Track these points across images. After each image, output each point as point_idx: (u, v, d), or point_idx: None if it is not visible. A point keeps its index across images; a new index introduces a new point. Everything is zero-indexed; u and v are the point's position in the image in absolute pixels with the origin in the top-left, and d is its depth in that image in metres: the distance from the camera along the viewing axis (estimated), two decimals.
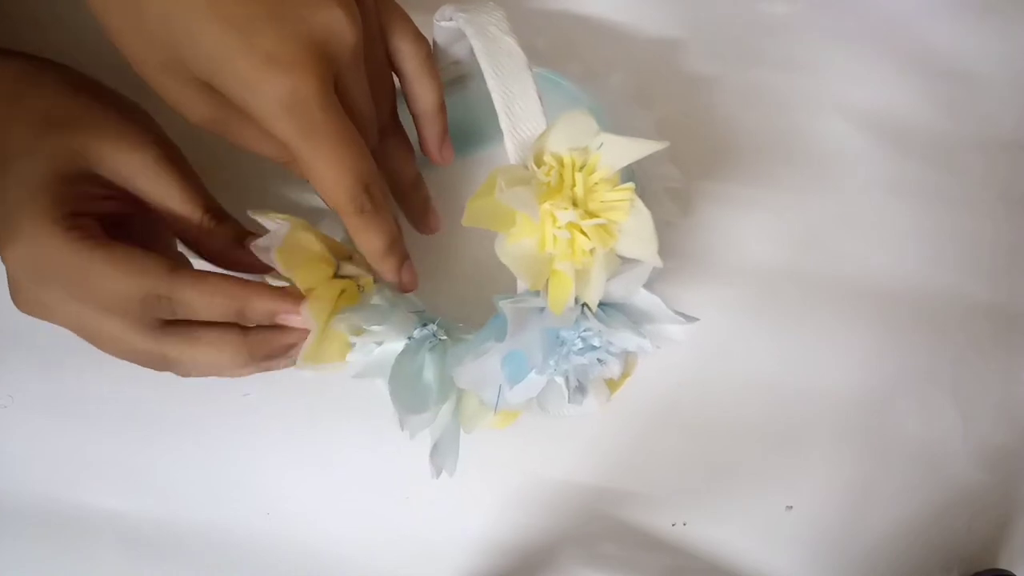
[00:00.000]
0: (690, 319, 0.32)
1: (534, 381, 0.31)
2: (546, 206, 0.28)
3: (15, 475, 0.36)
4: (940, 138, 0.43)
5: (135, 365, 0.38)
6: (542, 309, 0.30)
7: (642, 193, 0.29)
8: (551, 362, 0.30)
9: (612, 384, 0.33)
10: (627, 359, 0.32)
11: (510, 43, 0.29)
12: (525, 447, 0.38)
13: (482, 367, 0.30)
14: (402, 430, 0.31)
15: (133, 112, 0.32)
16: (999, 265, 0.42)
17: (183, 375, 0.31)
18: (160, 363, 0.30)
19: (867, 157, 0.42)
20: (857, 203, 0.42)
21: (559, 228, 0.28)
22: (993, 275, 0.42)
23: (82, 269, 0.28)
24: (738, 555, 0.38)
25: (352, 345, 0.32)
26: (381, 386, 0.32)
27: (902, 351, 0.40)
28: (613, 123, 0.39)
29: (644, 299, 0.31)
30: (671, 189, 0.40)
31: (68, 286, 0.28)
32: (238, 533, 0.36)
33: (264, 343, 0.30)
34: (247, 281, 0.30)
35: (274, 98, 0.26)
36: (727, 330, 0.40)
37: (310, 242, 0.31)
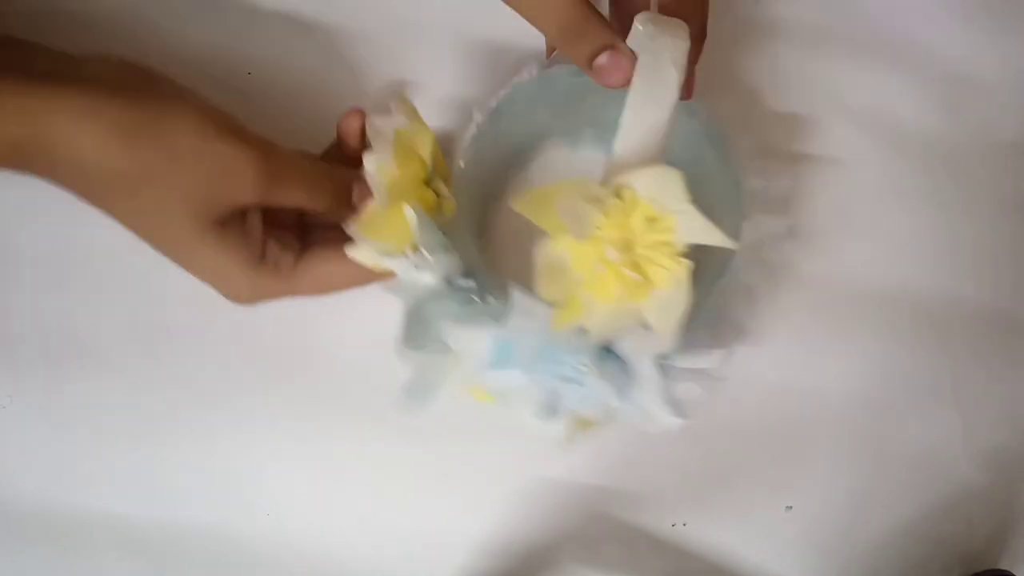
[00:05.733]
0: (679, 416, 0.32)
1: (515, 377, 0.31)
2: (598, 234, 0.28)
3: (15, 476, 0.36)
4: (941, 141, 0.43)
5: (135, 366, 0.38)
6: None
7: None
8: (535, 369, 0.30)
9: (581, 424, 0.33)
10: (607, 412, 0.32)
11: (672, 76, 0.29)
12: (525, 447, 0.38)
13: (472, 337, 0.31)
14: (396, 353, 0.32)
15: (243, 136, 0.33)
16: (1000, 268, 0.42)
17: None
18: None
19: (868, 160, 0.42)
20: (857, 205, 0.42)
21: (600, 261, 0.28)
22: (994, 278, 0.42)
23: (305, 290, 0.34)
24: (738, 555, 0.38)
25: (402, 253, 0.32)
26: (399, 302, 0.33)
27: (902, 353, 0.40)
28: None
29: (647, 371, 0.31)
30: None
31: (286, 297, 0.34)
32: (238, 533, 0.36)
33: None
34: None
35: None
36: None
37: (420, 142, 0.33)
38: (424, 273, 0.32)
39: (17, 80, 0.28)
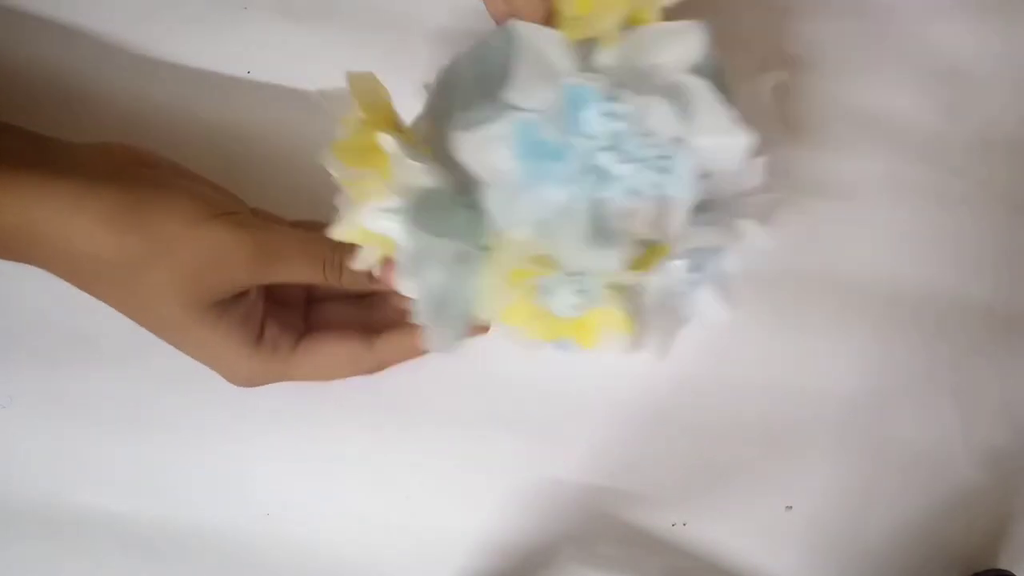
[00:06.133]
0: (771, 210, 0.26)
1: (548, 195, 0.24)
2: None
3: (15, 475, 0.36)
4: (940, 139, 0.43)
5: (135, 365, 0.38)
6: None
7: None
8: (572, 162, 0.24)
9: (643, 257, 0.26)
10: (663, 211, 0.25)
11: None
12: (525, 447, 0.38)
13: (491, 137, 0.24)
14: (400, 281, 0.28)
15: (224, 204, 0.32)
16: (999, 266, 0.42)
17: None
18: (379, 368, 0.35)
19: (867, 157, 0.42)
20: (856, 204, 0.42)
21: None
22: (993, 276, 0.42)
23: (300, 376, 0.34)
24: (738, 555, 0.38)
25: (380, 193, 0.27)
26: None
27: (901, 351, 0.40)
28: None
29: (697, 89, 0.25)
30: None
31: (286, 380, 0.34)
32: (238, 533, 0.36)
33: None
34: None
35: None
36: (727, 330, 0.39)
37: (378, 92, 0.28)
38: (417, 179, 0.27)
39: (10, 170, 0.28)
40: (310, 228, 0.33)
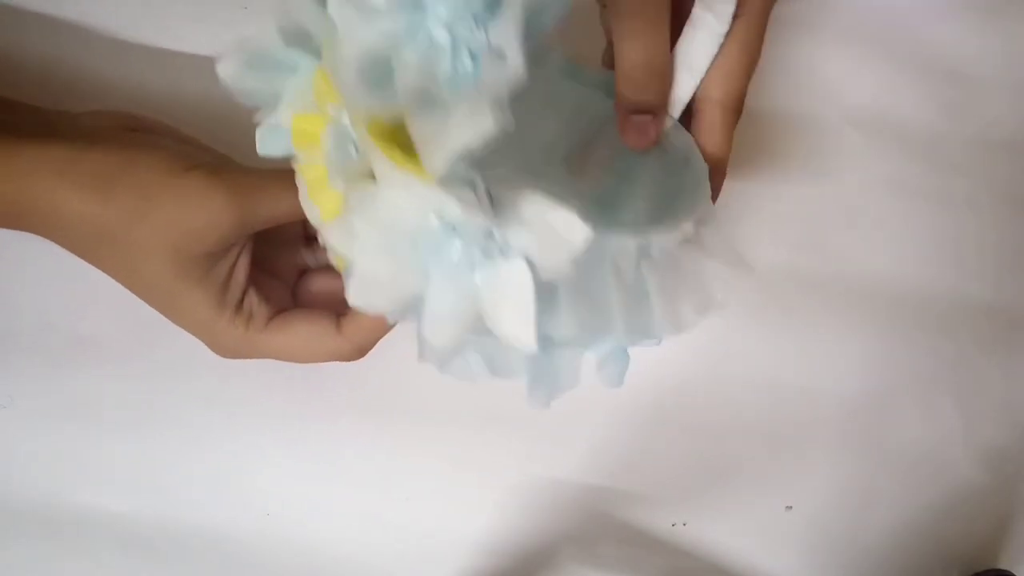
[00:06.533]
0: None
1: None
2: None
3: (15, 475, 0.36)
4: (941, 139, 0.43)
5: (135, 365, 0.38)
6: None
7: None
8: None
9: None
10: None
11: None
12: (525, 447, 0.38)
13: None
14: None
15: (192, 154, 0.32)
16: (1000, 266, 0.42)
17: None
18: (357, 355, 0.33)
19: (868, 158, 0.42)
20: (857, 204, 0.42)
21: None
22: (994, 276, 0.42)
23: (269, 351, 0.33)
24: (738, 555, 0.38)
25: None
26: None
27: (902, 351, 0.40)
28: None
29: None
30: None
31: (262, 357, 0.33)
32: (238, 533, 0.36)
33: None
34: None
35: None
36: (727, 330, 0.40)
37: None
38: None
39: (3, 139, 0.29)
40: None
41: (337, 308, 0.32)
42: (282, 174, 0.31)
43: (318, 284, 0.35)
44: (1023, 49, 0.44)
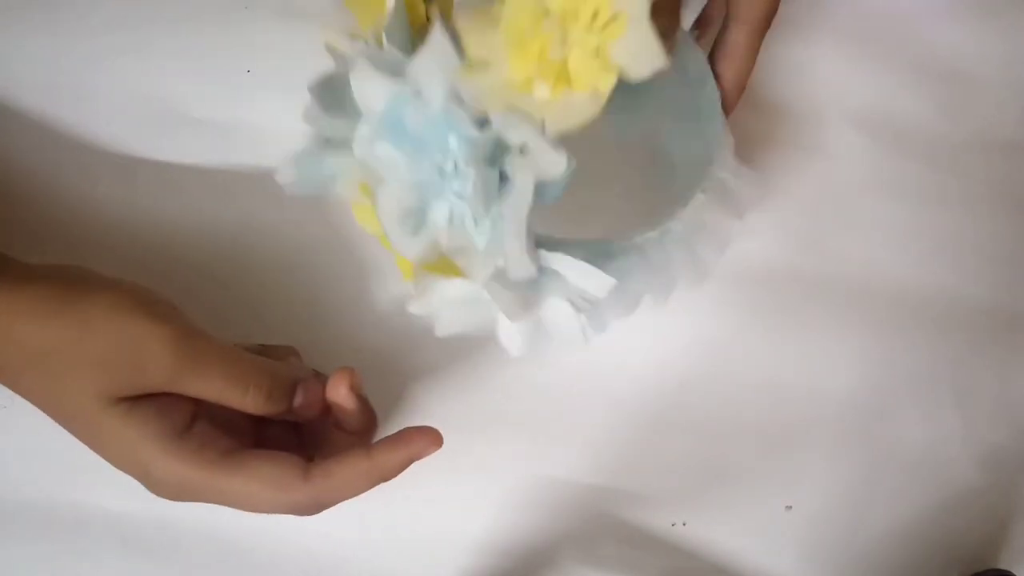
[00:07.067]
0: (525, 270, 0.27)
1: (396, 162, 0.27)
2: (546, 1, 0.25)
3: (15, 475, 0.36)
4: (940, 139, 0.43)
5: None
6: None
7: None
8: (422, 156, 0.26)
9: (439, 262, 0.28)
10: (465, 253, 0.27)
11: None
12: (525, 447, 0.38)
13: (374, 85, 0.26)
14: (304, 118, 0.29)
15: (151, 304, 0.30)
16: (999, 266, 0.42)
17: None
18: (316, 509, 0.30)
19: (867, 158, 0.42)
20: (857, 204, 0.42)
21: (532, 27, 0.25)
22: (993, 276, 0.42)
23: (220, 492, 0.29)
24: (738, 555, 0.38)
25: (363, 36, 0.29)
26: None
27: (902, 351, 0.40)
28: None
29: (521, 188, 0.26)
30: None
31: (210, 500, 0.30)
32: (238, 533, 0.36)
33: (391, 464, 0.31)
34: (373, 449, 0.30)
35: None
36: (727, 330, 0.40)
37: None
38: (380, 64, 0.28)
39: None
40: (264, 352, 0.32)
41: (299, 453, 0.30)
42: (230, 354, 0.30)
43: (279, 429, 0.33)
44: (1022, 50, 0.44)
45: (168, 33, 0.40)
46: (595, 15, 0.24)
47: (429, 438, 0.30)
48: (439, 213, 0.27)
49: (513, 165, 0.26)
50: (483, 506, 0.37)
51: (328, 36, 0.30)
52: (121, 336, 0.28)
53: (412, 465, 0.37)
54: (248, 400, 0.29)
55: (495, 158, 0.26)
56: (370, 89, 0.27)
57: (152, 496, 0.37)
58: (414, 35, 0.30)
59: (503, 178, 0.27)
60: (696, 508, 0.38)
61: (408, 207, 0.27)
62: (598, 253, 0.31)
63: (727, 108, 0.34)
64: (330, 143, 0.29)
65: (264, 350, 0.33)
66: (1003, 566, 0.38)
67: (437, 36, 0.25)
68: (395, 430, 0.37)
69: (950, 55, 0.44)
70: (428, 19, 0.30)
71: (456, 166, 0.26)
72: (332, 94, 0.29)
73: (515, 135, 0.26)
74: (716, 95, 0.34)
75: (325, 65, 0.30)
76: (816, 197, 0.41)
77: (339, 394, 0.30)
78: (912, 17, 0.44)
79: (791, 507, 0.38)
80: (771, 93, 0.43)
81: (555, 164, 0.25)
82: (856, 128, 0.42)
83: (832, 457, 0.39)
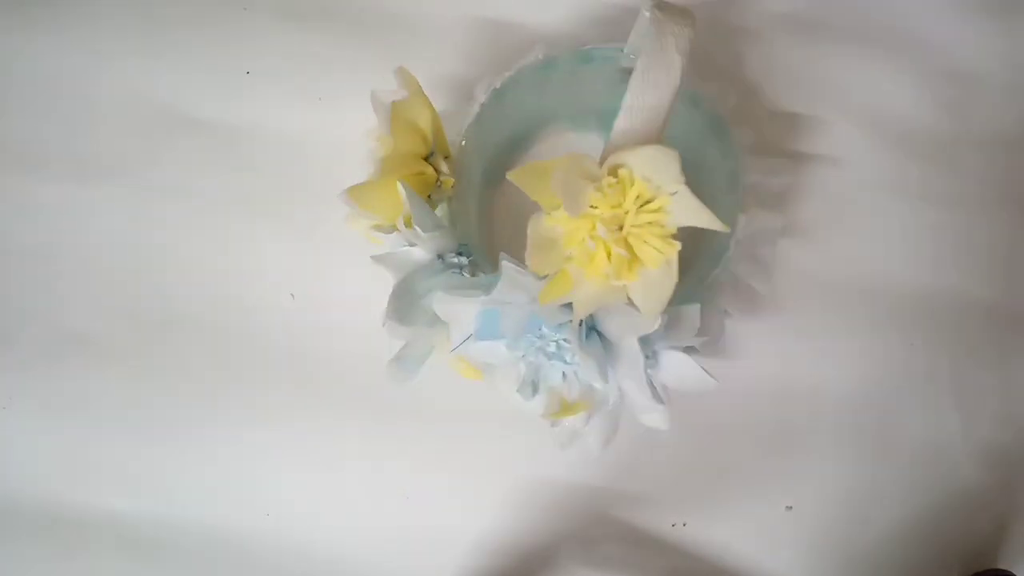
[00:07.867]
0: (659, 401, 0.32)
1: (499, 350, 0.31)
2: (591, 211, 0.28)
3: (15, 475, 0.36)
4: (941, 138, 0.43)
5: (135, 365, 0.38)
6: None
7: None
8: (521, 344, 0.30)
9: (564, 406, 0.32)
10: (589, 394, 0.32)
11: (676, 61, 0.29)
12: (525, 447, 0.38)
13: (460, 306, 0.31)
14: (382, 325, 0.32)
15: None
16: (999, 265, 0.42)
17: None
18: None
19: (868, 157, 0.42)
20: (857, 202, 0.42)
21: (591, 237, 0.28)
22: (993, 275, 0.42)
23: None
24: (738, 555, 0.38)
25: (394, 227, 0.33)
26: (387, 277, 0.32)
27: (902, 351, 0.40)
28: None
29: (630, 351, 0.31)
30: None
31: None
32: (238, 533, 0.36)
33: None
34: None
35: None
36: (727, 330, 0.39)
37: (420, 113, 0.33)
38: (415, 248, 0.32)
39: None
40: None
41: None
42: None
43: None
44: (1022, 49, 0.44)
45: (168, 33, 0.40)
46: (637, 198, 0.28)
47: None
48: (552, 376, 0.31)
49: (615, 332, 0.30)
50: (483, 506, 0.37)
51: (361, 231, 0.33)
52: None
53: (412, 465, 0.38)
54: None
55: (589, 329, 0.30)
56: (457, 310, 0.31)
57: (152, 496, 0.37)
58: (439, 205, 0.34)
59: (595, 330, 0.31)
60: (696, 508, 0.38)
61: (521, 380, 0.31)
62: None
63: None
64: (418, 340, 0.33)
65: None
66: (1003, 566, 0.38)
67: (509, 271, 0.30)
68: (395, 429, 0.38)
69: (950, 54, 0.44)
70: (437, 173, 0.34)
71: (559, 344, 0.30)
72: (402, 302, 0.32)
73: (613, 327, 0.30)
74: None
75: (374, 250, 0.33)
76: (816, 194, 0.41)
77: None
78: (913, 16, 0.44)
79: (791, 507, 0.38)
80: (772, 90, 0.43)
81: (649, 325, 0.29)
82: (856, 125, 0.42)
83: (832, 457, 0.39)
